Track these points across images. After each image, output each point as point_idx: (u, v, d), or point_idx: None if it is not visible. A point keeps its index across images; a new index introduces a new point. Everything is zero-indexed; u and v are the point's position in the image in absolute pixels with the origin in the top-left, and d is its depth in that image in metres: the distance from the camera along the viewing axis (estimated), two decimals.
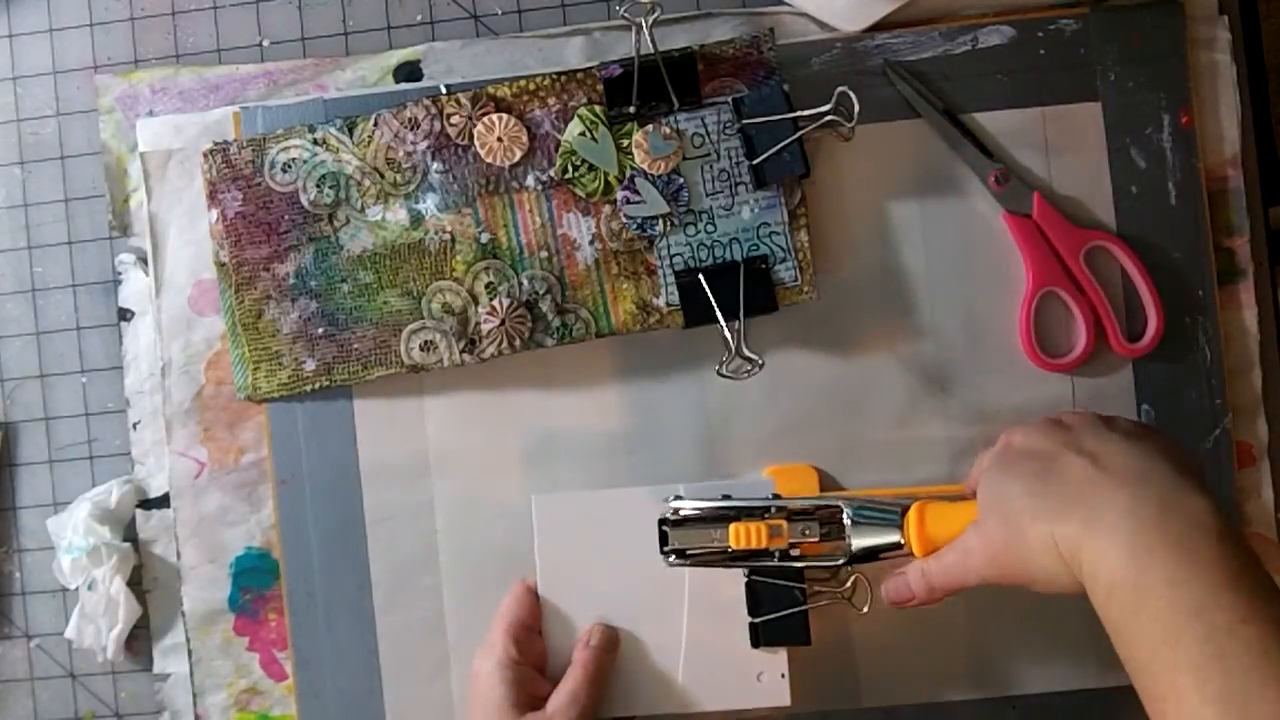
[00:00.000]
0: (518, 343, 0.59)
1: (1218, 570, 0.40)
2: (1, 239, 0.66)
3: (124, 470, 0.65)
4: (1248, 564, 0.41)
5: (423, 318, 0.60)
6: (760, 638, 0.57)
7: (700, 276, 0.59)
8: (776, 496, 0.56)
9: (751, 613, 0.57)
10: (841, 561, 0.54)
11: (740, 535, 0.54)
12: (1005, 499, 0.47)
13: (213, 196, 0.61)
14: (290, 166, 0.61)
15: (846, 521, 0.53)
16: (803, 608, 0.56)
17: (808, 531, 0.54)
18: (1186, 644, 0.39)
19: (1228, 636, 0.39)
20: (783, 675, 0.57)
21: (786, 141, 0.58)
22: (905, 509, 0.52)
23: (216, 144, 0.61)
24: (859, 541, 0.53)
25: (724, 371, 0.57)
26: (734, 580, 0.57)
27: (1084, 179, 0.61)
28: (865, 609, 0.56)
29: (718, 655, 0.57)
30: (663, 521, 0.56)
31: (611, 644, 0.57)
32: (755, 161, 0.59)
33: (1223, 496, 0.60)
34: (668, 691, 0.57)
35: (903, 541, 0.52)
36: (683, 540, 0.56)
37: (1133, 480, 0.43)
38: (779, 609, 0.56)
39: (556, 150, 0.59)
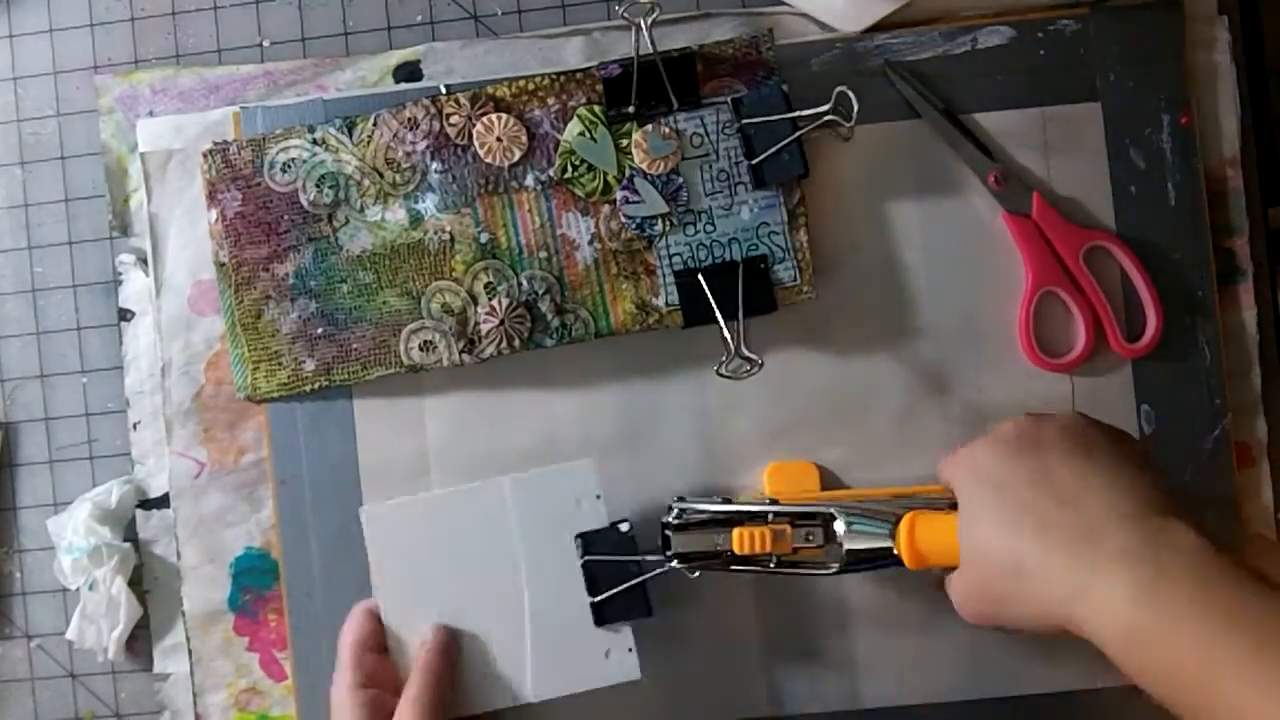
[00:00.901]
0: (517, 343, 0.59)
1: (1224, 584, 0.40)
2: (2, 239, 0.66)
3: (124, 470, 0.65)
4: (1247, 571, 0.41)
5: (422, 318, 0.60)
6: (603, 616, 0.56)
7: (699, 276, 0.59)
8: (774, 501, 0.56)
9: (591, 593, 0.56)
10: (835, 569, 0.54)
11: (744, 540, 0.54)
12: (982, 549, 0.46)
13: (212, 196, 0.61)
14: (290, 166, 0.61)
15: (840, 529, 0.53)
16: (640, 579, 0.56)
17: (811, 536, 0.54)
18: (1223, 655, 0.38)
19: (1259, 634, 0.38)
20: (630, 649, 0.56)
21: (786, 141, 0.58)
22: (899, 518, 0.52)
23: (216, 144, 0.61)
24: (852, 547, 0.53)
25: (723, 371, 0.57)
26: (570, 564, 0.56)
27: (1084, 179, 0.61)
28: (695, 575, 0.56)
29: (563, 640, 0.56)
30: (665, 526, 0.56)
31: (446, 643, 0.56)
32: (754, 161, 0.59)
33: (1223, 496, 0.60)
34: (519, 683, 0.56)
35: (895, 550, 0.52)
36: (685, 545, 0.56)
37: (1115, 523, 0.43)
38: (617, 584, 0.56)
39: (556, 150, 0.59)
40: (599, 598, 0.56)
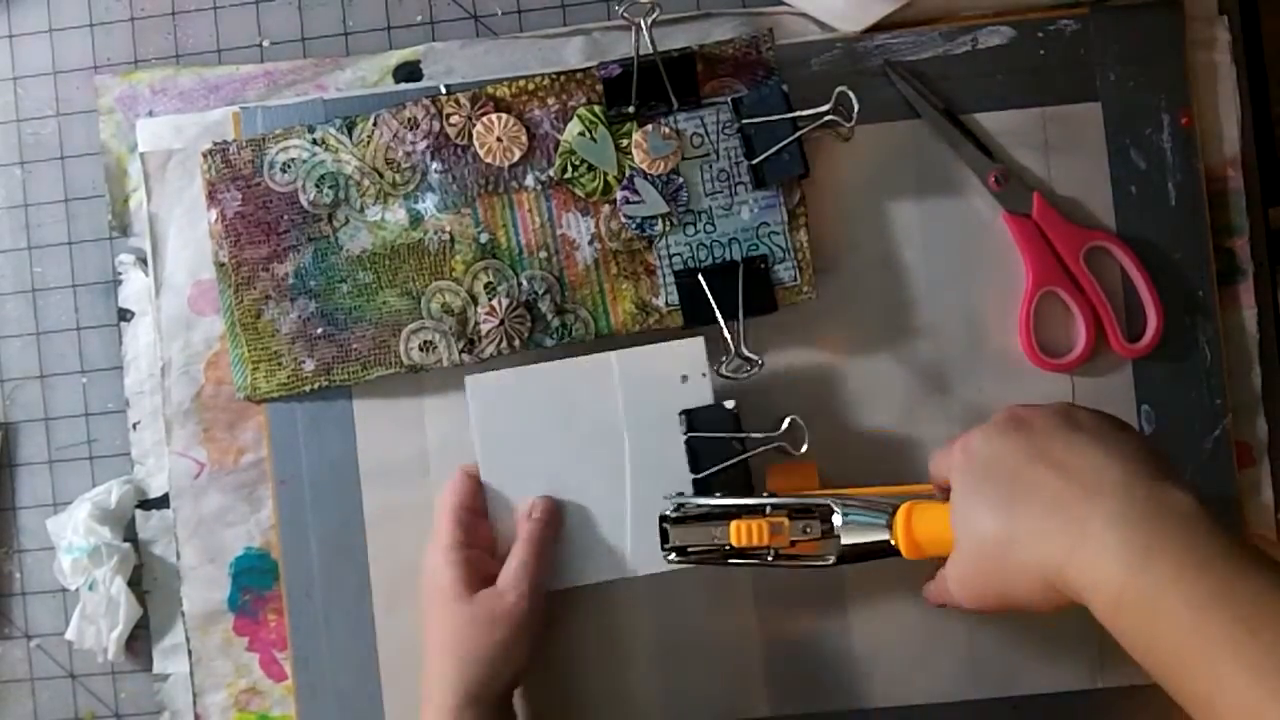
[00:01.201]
0: (517, 343, 0.59)
1: (1218, 556, 0.39)
2: (1, 239, 0.66)
3: (124, 470, 0.65)
4: (1241, 543, 0.40)
5: (422, 318, 0.60)
6: (706, 492, 0.57)
7: (700, 276, 0.59)
8: (772, 494, 0.56)
9: (693, 469, 0.57)
10: (831, 561, 0.54)
11: (741, 532, 0.54)
12: (974, 525, 0.45)
13: (212, 196, 0.61)
14: (289, 166, 0.61)
15: (837, 521, 0.53)
16: (743, 456, 0.57)
17: (809, 529, 0.54)
18: (1214, 631, 0.38)
19: (1254, 609, 0.38)
20: None
21: (786, 141, 0.58)
22: (895, 509, 0.52)
23: (216, 144, 0.61)
24: (848, 540, 0.53)
25: (724, 371, 0.57)
26: (674, 441, 0.57)
27: (1084, 179, 0.61)
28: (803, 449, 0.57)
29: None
30: (663, 519, 0.56)
31: (554, 515, 0.57)
32: (754, 161, 0.59)
33: (1223, 496, 0.60)
34: (617, 558, 0.57)
35: (892, 541, 0.52)
36: (683, 538, 0.56)
37: (1108, 488, 0.42)
38: (719, 462, 0.57)
39: (556, 150, 0.59)
40: (701, 474, 0.57)
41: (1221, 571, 0.39)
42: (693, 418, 0.57)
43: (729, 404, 0.57)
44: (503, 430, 0.58)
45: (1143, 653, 0.41)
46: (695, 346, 0.57)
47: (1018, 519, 0.43)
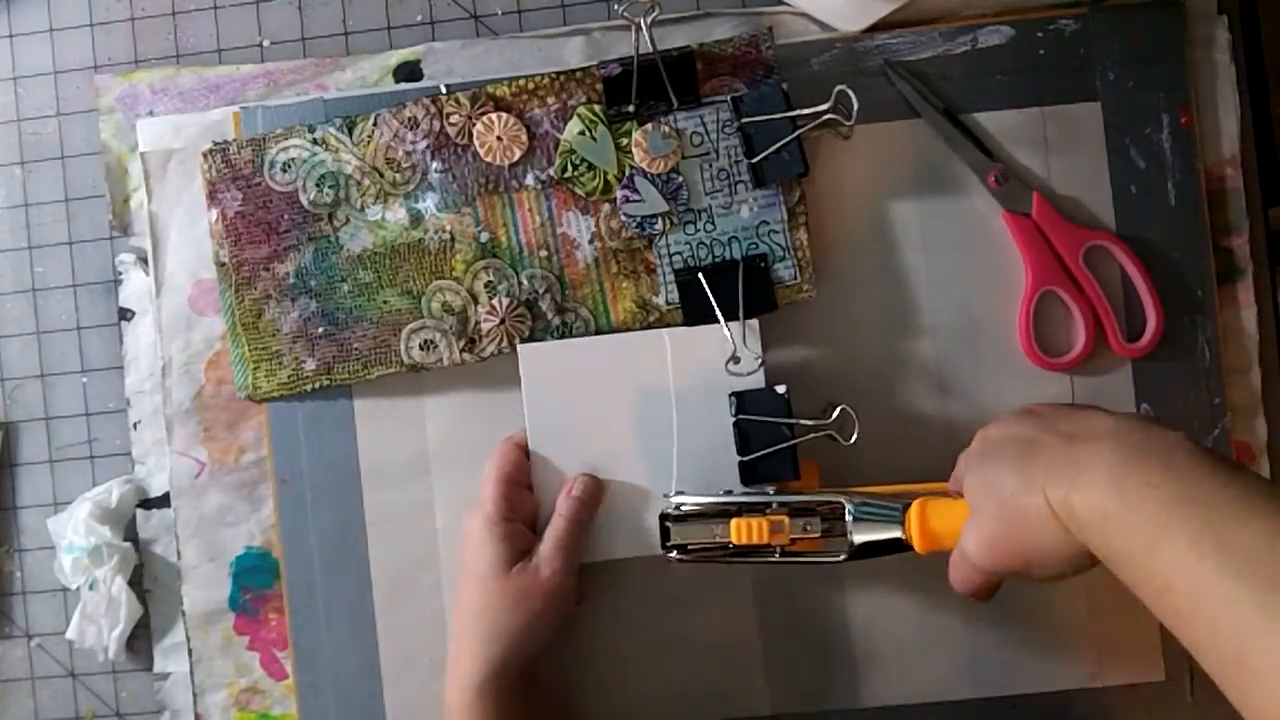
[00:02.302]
0: (517, 342, 0.59)
1: (1195, 468, 0.41)
2: (2, 239, 0.66)
3: (124, 470, 0.65)
4: (1225, 461, 0.41)
5: (422, 317, 0.60)
6: (752, 475, 0.57)
7: (700, 275, 0.59)
8: (778, 492, 0.56)
9: (741, 452, 0.57)
10: (843, 558, 0.54)
11: (742, 531, 0.54)
12: (995, 486, 0.47)
13: (212, 196, 0.61)
14: (290, 166, 0.61)
15: (848, 518, 0.53)
16: (792, 442, 0.57)
17: (809, 527, 0.54)
18: (1176, 532, 0.39)
19: (1213, 508, 0.39)
20: None
21: (785, 140, 0.58)
22: (906, 505, 0.52)
23: (216, 144, 0.61)
24: (860, 537, 0.53)
25: (724, 370, 0.57)
26: (722, 422, 0.57)
27: (1083, 179, 0.61)
28: (853, 439, 0.58)
29: (709, 496, 0.57)
30: (664, 517, 0.56)
31: (594, 493, 0.57)
32: (754, 160, 0.59)
33: None
34: (653, 537, 0.57)
35: (904, 537, 0.52)
36: (684, 535, 0.56)
37: (1105, 434, 0.44)
38: (767, 445, 0.57)
39: (556, 149, 0.60)
40: (748, 457, 0.57)
41: (1189, 479, 0.41)
42: (743, 400, 0.57)
43: (780, 389, 0.57)
44: (552, 400, 0.58)
45: (1119, 565, 0.42)
46: (750, 329, 0.57)
47: (1033, 470, 0.45)
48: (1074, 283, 0.60)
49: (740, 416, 0.57)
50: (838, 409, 0.57)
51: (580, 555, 0.57)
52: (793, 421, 0.57)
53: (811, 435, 0.57)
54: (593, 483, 0.58)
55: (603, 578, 0.60)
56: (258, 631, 0.63)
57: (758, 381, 0.57)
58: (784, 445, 0.57)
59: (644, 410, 0.58)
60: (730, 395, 0.57)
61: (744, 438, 0.57)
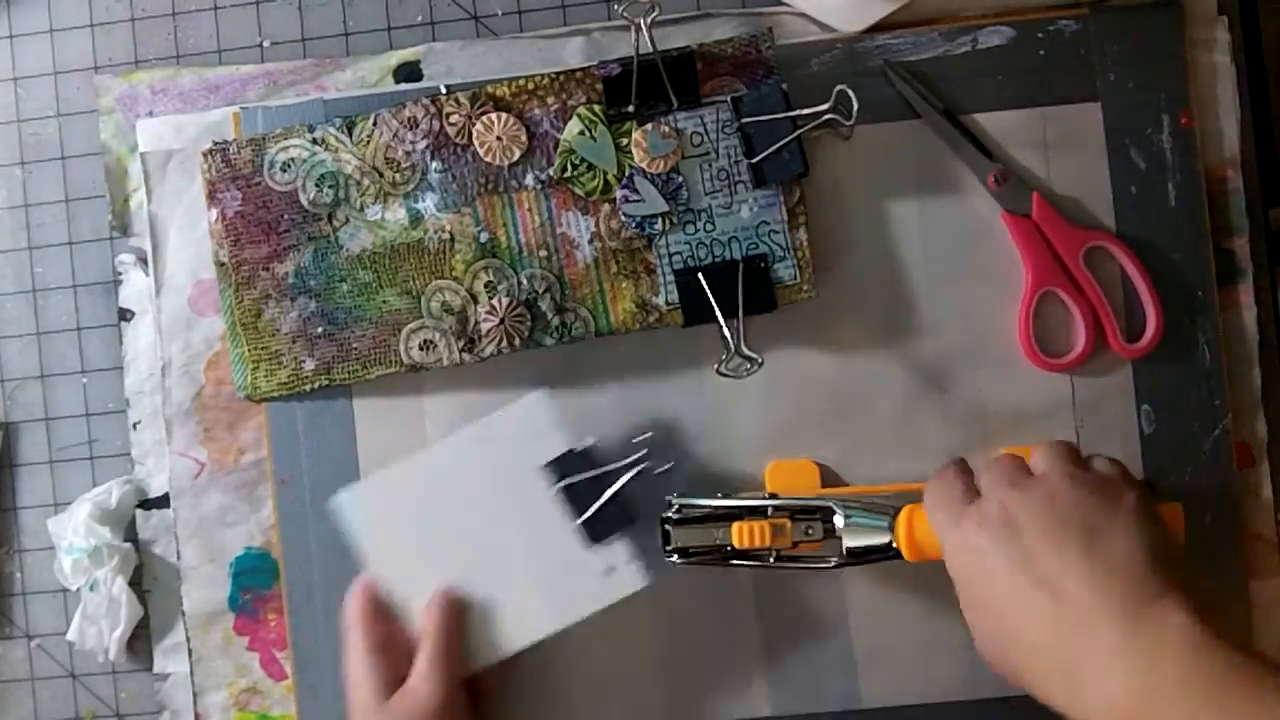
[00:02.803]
0: (517, 342, 0.59)
1: (1218, 674, 0.41)
2: (2, 239, 0.66)
3: (124, 470, 0.65)
4: (1243, 655, 0.41)
5: (422, 317, 0.60)
6: (594, 534, 0.57)
7: (699, 275, 0.59)
8: (774, 495, 0.56)
9: (576, 515, 0.57)
10: (834, 563, 0.54)
11: (743, 534, 0.54)
12: (975, 624, 0.48)
13: (212, 196, 0.61)
14: (289, 166, 0.61)
15: (839, 523, 0.53)
16: (614, 487, 0.56)
17: (810, 531, 0.54)
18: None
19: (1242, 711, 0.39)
20: (629, 561, 0.56)
21: (785, 140, 0.58)
22: (897, 511, 0.53)
23: (216, 144, 0.61)
24: (851, 543, 0.53)
25: (723, 370, 0.57)
26: (547, 495, 0.57)
27: (1083, 179, 0.61)
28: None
29: (563, 570, 0.57)
30: (664, 520, 0.56)
31: (451, 604, 0.56)
32: (754, 160, 0.59)
33: (1223, 496, 0.60)
34: (532, 622, 0.57)
35: (894, 544, 0.52)
36: (685, 539, 0.56)
37: (1102, 619, 0.43)
38: (594, 501, 0.57)
39: (555, 149, 0.60)
40: (583, 518, 0.57)
41: (1221, 685, 0.40)
42: (557, 468, 0.57)
43: (580, 446, 0.57)
44: (384, 535, 0.58)
45: None
46: (537, 402, 0.58)
47: (1015, 649, 0.45)
48: (1074, 283, 0.60)
49: (561, 482, 0.57)
50: (644, 436, 0.58)
51: (459, 667, 0.55)
52: (610, 469, 0.57)
53: (630, 476, 0.57)
54: (446, 596, 0.57)
55: None
56: (257, 632, 0.63)
57: (561, 447, 0.57)
58: (610, 493, 0.56)
59: (473, 513, 0.57)
60: (544, 466, 0.57)
61: (571, 502, 0.57)
